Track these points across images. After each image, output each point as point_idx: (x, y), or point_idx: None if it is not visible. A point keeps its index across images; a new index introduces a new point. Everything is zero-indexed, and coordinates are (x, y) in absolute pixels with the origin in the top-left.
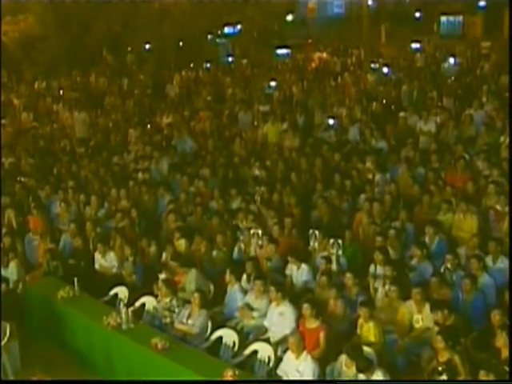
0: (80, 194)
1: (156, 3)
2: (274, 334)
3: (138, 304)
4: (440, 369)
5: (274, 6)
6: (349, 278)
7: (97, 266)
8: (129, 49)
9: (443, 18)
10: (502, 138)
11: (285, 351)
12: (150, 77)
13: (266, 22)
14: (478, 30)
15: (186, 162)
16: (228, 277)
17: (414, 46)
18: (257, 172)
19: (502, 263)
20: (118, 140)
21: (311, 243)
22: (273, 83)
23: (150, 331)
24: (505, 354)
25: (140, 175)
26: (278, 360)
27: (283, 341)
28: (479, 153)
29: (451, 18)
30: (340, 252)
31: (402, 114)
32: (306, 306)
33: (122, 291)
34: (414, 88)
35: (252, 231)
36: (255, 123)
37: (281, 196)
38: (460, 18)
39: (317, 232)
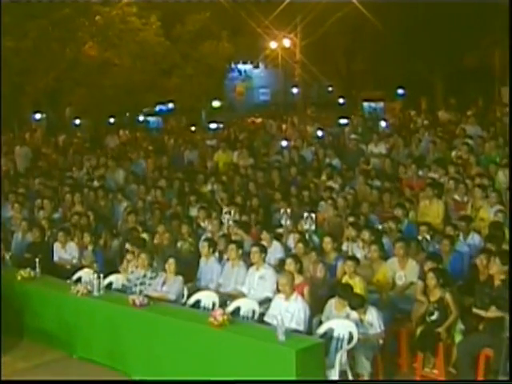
0: (32, 200)
1: (99, 57)
2: (254, 298)
3: (106, 282)
4: (431, 308)
5: (214, 61)
6: (327, 242)
7: (56, 259)
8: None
9: (365, 104)
10: (453, 153)
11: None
12: (88, 132)
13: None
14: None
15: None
16: (203, 248)
17: (342, 121)
18: (214, 187)
19: (473, 240)
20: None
21: (283, 222)
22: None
23: (123, 296)
24: (497, 281)
25: (95, 182)
26: (262, 316)
27: (265, 302)
28: (430, 165)
29: (373, 104)
30: (313, 227)
31: (353, 136)
32: (289, 260)
33: (86, 273)
34: (358, 125)
35: (224, 210)
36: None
37: (243, 200)
38: (381, 104)
39: (289, 210)
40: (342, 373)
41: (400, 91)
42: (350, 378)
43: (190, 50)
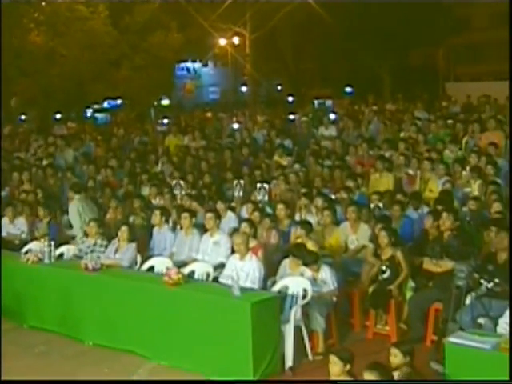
0: None
1: (45, 46)
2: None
3: (57, 253)
4: (383, 267)
5: (163, 52)
6: (280, 209)
7: (4, 234)
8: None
9: (315, 102)
10: (402, 134)
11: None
12: (34, 123)
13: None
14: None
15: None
16: (156, 217)
17: (292, 116)
18: (165, 167)
19: (422, 211)
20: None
21: (236, 193)
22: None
23: (75, 262)
24: (447, 233)
25: (44, 161)
26: (216, 279)
27: (219, 267)
28: (380, 145)
29: (322, 101)
30: (266, 198)
31: (304, 118)
32: (244, 224)
33: (36, 245)
34: (309, 112)
35: (174, 182)
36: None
37: (195, 179)
38: (330, 101)
39: (242, 181)
40: (297, 328)
41: (348, 89)
42: (305, 333)
43: (138, 41)
